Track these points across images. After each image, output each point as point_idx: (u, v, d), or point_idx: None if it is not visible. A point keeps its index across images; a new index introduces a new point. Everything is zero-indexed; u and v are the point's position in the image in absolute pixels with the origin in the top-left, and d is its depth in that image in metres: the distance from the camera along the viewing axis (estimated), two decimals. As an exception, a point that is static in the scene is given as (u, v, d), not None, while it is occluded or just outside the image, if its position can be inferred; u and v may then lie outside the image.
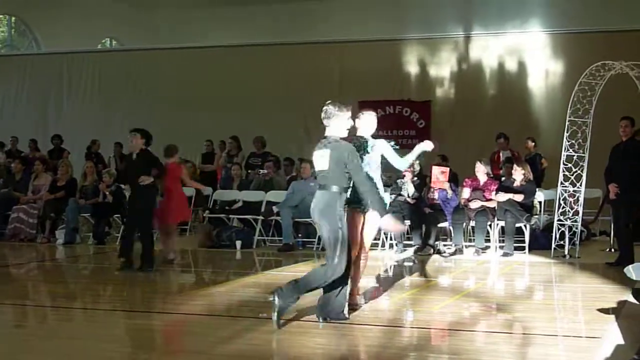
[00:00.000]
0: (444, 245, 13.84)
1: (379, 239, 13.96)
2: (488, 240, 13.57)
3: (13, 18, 28.38)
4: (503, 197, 13.37)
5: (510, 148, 17.20)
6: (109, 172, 16.50)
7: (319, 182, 7.96)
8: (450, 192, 13.71)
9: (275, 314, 7.44)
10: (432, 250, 13.48)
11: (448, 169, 13.98)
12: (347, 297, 7.97)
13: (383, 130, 19.89)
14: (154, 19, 29.06)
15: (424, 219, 13.69)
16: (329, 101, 8.03)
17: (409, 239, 13.92)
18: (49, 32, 27.53)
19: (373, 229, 8.64)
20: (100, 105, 23.21)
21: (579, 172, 12.72)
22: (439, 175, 13.67)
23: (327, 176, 7.81)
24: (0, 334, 7.94)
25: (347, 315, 7.91)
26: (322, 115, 7.96)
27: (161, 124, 22.13)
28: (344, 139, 8.01)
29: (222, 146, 19.01)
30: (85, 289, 10.92)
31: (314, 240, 14.19)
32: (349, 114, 8.00)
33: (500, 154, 16.97)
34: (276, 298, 7.44)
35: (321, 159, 7.87)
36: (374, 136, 8.75)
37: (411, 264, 12.62)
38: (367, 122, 8.70)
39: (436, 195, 13.77)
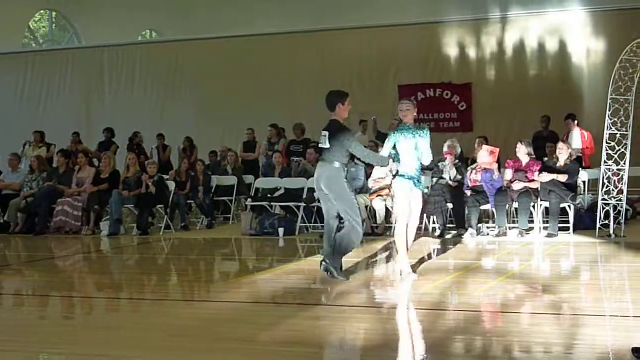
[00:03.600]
0: (487, 227, 13.78)
1: (422, 223, 13.96)
2: (532, 222, 13.46)
3: (54, 13, 28.68)
4: (547, 177, 13.24)
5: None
6: (153, 163, 16.63)
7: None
8: (497, 173, 13.52)
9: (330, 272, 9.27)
10: (474, 233, 13.39)
11: (498, 149, 13.82)
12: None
13: (424, 113, 19.98)
14: (194, 10, 29.14)
15: (465, 202, 13.59)
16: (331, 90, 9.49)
17: (451, 222, 13.87)
18: (90, 26, 27.81)
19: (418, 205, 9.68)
20: (142, 98, 23.34)
21: (622, 150, 12.56)
22: (488, 154, 13.55)
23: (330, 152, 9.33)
24: (48, 325, 8.05)
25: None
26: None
27: (202, 114, 22.35)
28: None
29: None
30: (131, 280, 11.06)
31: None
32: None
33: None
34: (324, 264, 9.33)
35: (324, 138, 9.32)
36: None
37: (453, 246, 12.56)
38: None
39: (479, 177, 13.62)
